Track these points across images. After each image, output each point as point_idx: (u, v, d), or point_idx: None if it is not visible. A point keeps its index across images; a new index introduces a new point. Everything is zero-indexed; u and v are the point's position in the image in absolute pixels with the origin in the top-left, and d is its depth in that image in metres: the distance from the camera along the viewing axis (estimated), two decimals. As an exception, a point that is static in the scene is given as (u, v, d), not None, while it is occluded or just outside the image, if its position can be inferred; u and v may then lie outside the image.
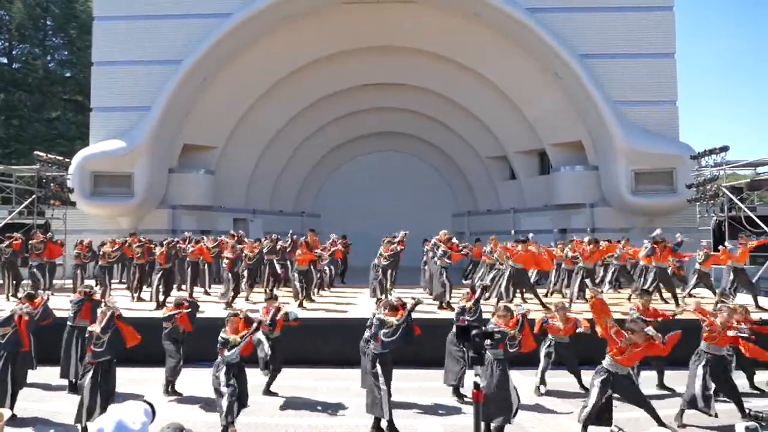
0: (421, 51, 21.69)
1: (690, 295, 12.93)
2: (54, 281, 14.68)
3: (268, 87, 22.07)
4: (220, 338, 6.90)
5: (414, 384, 8.72)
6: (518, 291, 12.63)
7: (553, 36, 19.09)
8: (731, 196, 15.21)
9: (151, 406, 2.61)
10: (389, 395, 6.67)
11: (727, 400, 7.20)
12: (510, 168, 24.58)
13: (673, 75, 19.69)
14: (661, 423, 6.60)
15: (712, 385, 6.94)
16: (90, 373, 6.66)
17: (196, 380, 8.70)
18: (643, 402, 6.63)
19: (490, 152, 24.67)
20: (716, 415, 6.91)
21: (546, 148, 21.95)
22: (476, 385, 3.68)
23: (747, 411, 6.61)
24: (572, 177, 21.07)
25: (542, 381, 8.54)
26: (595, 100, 18.99)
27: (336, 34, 21.07)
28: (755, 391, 8.47)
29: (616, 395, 6.61)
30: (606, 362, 6.60)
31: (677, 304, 11.22)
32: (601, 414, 6.48)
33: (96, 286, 12.03)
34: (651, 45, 19.46)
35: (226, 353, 6.77)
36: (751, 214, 14.67)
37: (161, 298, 12.27)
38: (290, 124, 23.87)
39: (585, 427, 6.65)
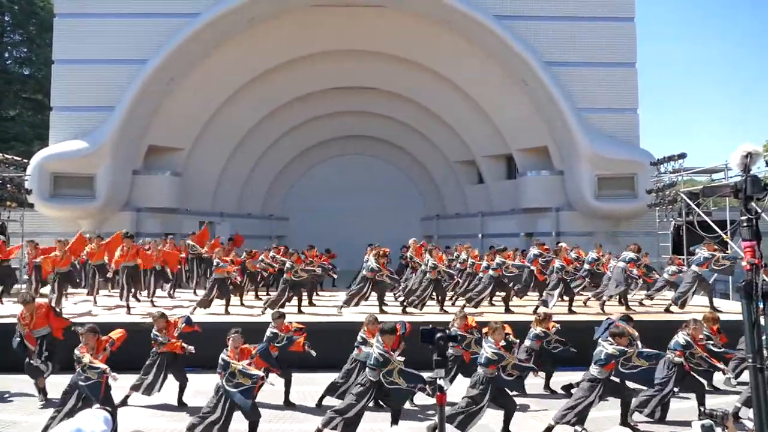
0: (391, 56, 21.80)
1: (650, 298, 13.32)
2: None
3: (237, 88, 21.83)
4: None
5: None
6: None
7: (520, 43, 19.47)
8: (688, 201, 15.73)
9: (111, 413, 2.56)
10: None
11: (687, 397, 7.45)
12: (478, 172, 24.91)
13: (634, 84, 20.31)
14: (624, 422, 6.79)
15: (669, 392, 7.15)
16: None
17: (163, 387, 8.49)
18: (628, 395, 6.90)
19: (459, 156, 24.96)
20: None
21: (513, 153, 22.33)
22: (440, 388, 3.70)
23: (702, 409, 6.86)
24: (538, 182, 21.49)
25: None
26: (560, 107, 19.43)
27: (306, 37, 21.00)
28: (710, 389, 8.76)
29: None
30: (594, 370, 6.79)
31: (627, 307, 11.67)
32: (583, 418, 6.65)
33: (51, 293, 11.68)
34: (614, 54, 20.04)
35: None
36: (707, 219, 15.19)
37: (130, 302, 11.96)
38: (259, 127, 23.65)
39: (550, 429, 6.75)
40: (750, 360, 3.05)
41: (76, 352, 6.31)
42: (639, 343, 7.36)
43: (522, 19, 19.75)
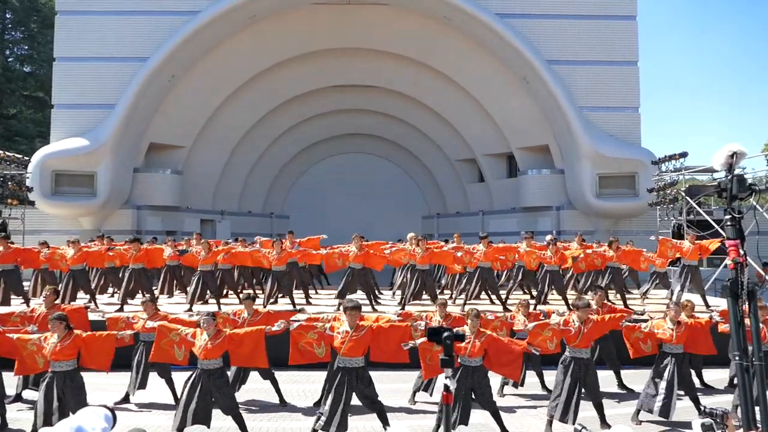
0: (391, 54, 21.80)
1: (645, 296, 13.33)
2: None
3: (237, 86, 21.84)
4: None
5: (385, 386, 8.72)
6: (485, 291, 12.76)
7: (522, 41, 19.44)
8: (690, 200, 15.72)
9: (112, 411, 2.56)
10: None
11: (684, 396, 7.43)
12: (479, 171, 24.91)
13: (636, 82, 20.28)
14: (604, 423, 6.82)
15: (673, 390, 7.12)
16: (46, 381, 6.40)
17: (162, 385, 8.51)
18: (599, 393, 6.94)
19: (460, 155, 24.96)
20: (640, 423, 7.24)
21: (514, 151, 22.32)
22: (446, 388, 3.68)
23: (702, 408, 6.85)
24: (539, 180, 21.49)
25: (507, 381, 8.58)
26: (561, 105, 19.41)
27: (306, 35, 20.99)
28: (704, 388, 8.77)
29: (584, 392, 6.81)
30: (567, 352, 6.92)
31: (625, 305, 11.62)
32: (569, 407, 6.63)
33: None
34: (615, 53, 20.02)
35: None
36: (708, 218, 15.19)
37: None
38: (259, 125, 23.66)
39: (550, 424, 6.79)
40: (737, 358, 3.08)
41: None
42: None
43: (524, 18, 19.73)
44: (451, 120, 23.76)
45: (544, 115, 20.77)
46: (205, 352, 6.31)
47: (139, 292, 12.41)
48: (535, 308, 11.33)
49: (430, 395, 7.96)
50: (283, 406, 8.02)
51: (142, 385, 7.87)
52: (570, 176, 20.40)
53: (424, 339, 6.36)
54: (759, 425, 2.97)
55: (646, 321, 7.61)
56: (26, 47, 33.84)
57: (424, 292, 12.10)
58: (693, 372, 8.62)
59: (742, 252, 3.19)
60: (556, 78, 19.50)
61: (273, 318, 7.87)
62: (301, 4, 20.16)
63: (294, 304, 11.96)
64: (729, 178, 3.23)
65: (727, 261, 3.21)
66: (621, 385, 8.84)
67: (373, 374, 6.81)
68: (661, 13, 76.44)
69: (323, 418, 6.19)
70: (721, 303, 12.73)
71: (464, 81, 21.94)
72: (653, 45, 75.72)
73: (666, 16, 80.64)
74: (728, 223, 3.19)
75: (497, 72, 21.03)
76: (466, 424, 6.39)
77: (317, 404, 7.83)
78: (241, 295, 12.98)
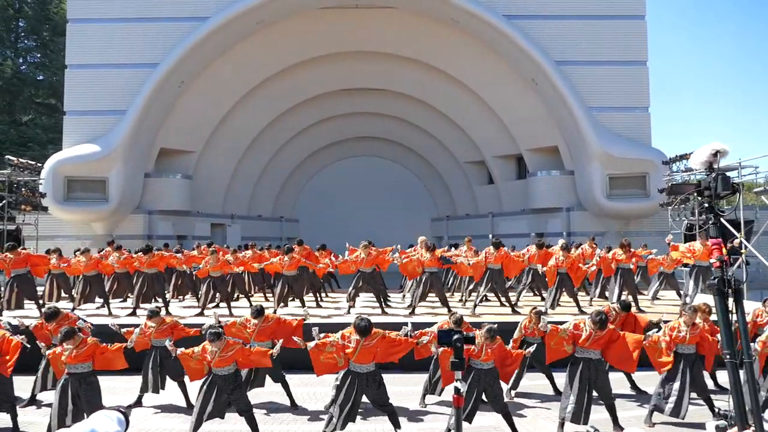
0: (399, 56, 21.83)
1: (656, 299, 13.20)
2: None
3: (246, 91, 21.96)
4: None
5: (395, 388, 8.71)
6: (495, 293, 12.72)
7: (530, 43, 19.38)
8: (701, 200, 15.55)
9: (125, 415, 2.58)
10: None
11: (697, 398, 7.37)
12: (488, 172, 24.85)
13: (645, 82, 20.14)
14: (617, 425, 6.76)
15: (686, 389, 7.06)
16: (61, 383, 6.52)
17: (174, 388, 8.56)
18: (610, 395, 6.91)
19: (469, 157, 24.91)
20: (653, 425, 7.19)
21: (523, 153, 22.25)
22: (457, 390, 3.68)
23: (717, 410, 6.79)
24: (549, 181, 21.38)
25: (514, 384, 8.52)
26: (570, 106, 19.31)
27: (315, 38, 21.08)
28: (718, 389, 8.67)
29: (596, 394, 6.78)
30: (576, 353, 6.90)
31: (637, 307, 11.50)
32: (580, 409, 6.62)
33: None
34: (624, 53, 19.89)
35: None
36: (721, 218, 15.02)
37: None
38: (268, 129, 23.78)
39: (562, 426, 6.75)
40: (727, 356, 3.05)
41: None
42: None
43: (532, 19, 19.67)
44: (459, 122, 23.73)
45: (553, 116, 20.69)
46: (218, 362, 6.58)
47: (153, 297, 12.50)
48: (545, 312, 11.25)
49: (434, 394, 8.00)
50: (294, 409, 8.03)
51: (156, 389, 7.93)
52: (580, 177, 20.29)
53: (443, 348, 6.50)
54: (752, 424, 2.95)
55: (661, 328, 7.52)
56: (39, 55, 34.22)
57: (431, 293, 12.10)
58: (707, 373, 8.56)
59: (725, 250, 3.17)
60: (565, 79, 19.41)
61: (282, 326, 8.02)
62: (308, 8, 20.25)
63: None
64: (713, 176, 3.21)
65: (712, 259, 3.18)
66: (634, 386, 8.77)
67: (383, 376, 6.82)
68: (663, 14, 75.88)
69: (333, 420, 6.25)
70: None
71: (472, 83, 21.91)
72: (656, 45, 75.18)
73: (668, 16, 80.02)
74: (711, 221, 3.17)
75: (505, 73, 20.99)
76: (470, 422, 6.48)
77: (328, 407, 7.85)
78: (250, 308, 12.99)
